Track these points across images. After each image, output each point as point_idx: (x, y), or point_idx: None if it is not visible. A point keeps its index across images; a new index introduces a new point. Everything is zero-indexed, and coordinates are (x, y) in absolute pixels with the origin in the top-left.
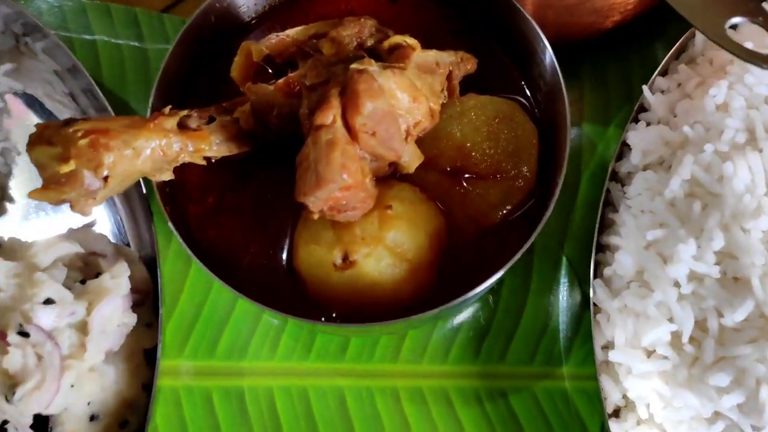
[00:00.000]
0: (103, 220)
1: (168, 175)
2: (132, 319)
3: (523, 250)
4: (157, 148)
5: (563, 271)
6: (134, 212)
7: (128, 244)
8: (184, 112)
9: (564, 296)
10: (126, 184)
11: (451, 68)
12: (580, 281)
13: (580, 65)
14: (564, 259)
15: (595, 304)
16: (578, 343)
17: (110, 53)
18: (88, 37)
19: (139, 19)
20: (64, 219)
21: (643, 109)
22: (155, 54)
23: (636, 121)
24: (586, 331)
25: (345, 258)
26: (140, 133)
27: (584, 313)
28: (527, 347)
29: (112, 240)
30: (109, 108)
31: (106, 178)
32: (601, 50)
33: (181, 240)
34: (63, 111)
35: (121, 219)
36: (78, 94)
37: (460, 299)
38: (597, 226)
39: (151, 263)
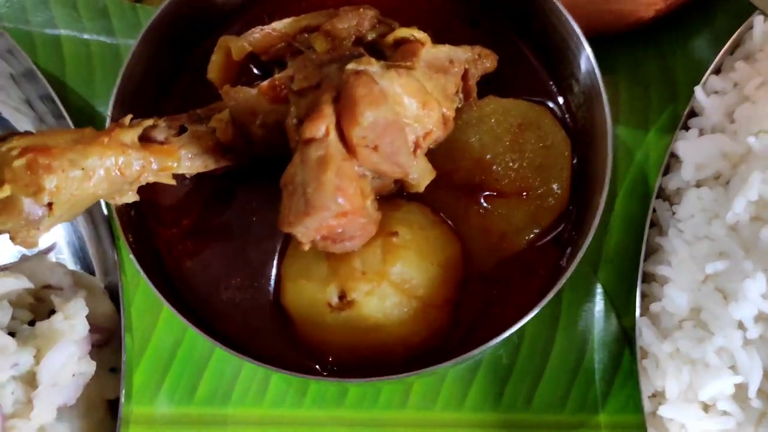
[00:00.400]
0: (63, 242)
1: (130, 197)
2: (90, 367)
3: (559, 285)
4: (113, 168)
5: (597, 300)
6: (98, 232)
7: (93, 271)
8: (149, 122)
9: (599, 330)
10: (77, 210)
11: (467, 66)
12: (618, 313)
13: (614, 60)
14: (599, 286)
15: (641, 347)
16: (617, 386)
17: (76, 50)
18: (50, 32)
19: (108, 10)
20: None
21: (693, 113)
22: (127, 50)
23: (686, 128)
24: (626, 371)
25: (342, 296)
26: (91, 149)
27: (623, 350)
28: (557, 391)
29: (73, 266)
30: (67, 116)
31: (49, 205)
32: (638, 42)
33: (144, 276)
34: (20, 119)
35: (83, 240)
36: (34, 99)
37: (483, 348)
38: (643, 252)
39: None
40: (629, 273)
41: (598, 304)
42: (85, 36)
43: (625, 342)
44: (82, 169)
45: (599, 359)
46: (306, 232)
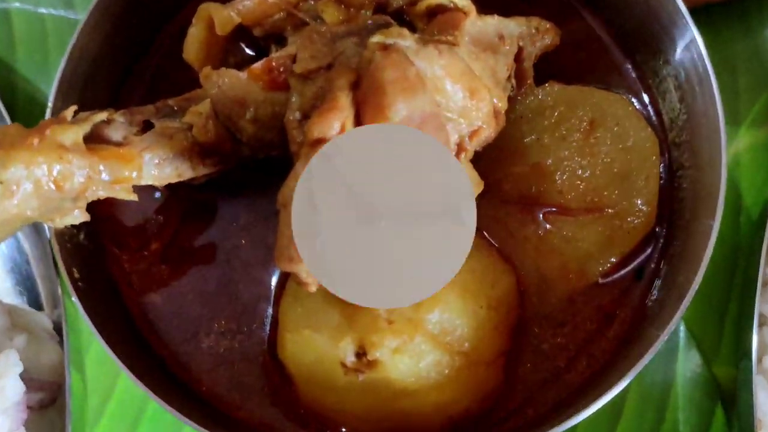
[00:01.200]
0: (0, 265)
1: (77, 217)
2: None
3: (656, 347)
4: (46, 179)
5: (681, 343)
6: (47, 250)
7: (39, 301)
8: (101, 116)
9: (683, 382)
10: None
11: (521, 43)
12: (708, 360)
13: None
14: (682, 326)
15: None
16: None
17: (28, 27)
18: None
19: None
20: None
21: None
22: None
23: None
24: None
25: (360, 353)
26: (14, 155)
27: (715, 407)
28: None
29: (14, 296)
30: (6, 115)
31: None
32: (719, 17)
33: (94, 330)
34: None
35: (27, 259)
36: None
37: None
38: (758, 290)
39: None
40: (717, 308)
41: (681, 346)
42: (41, 10)
43: (716, 396)
44: (1, 182)
45: (685, 419)
46: None
